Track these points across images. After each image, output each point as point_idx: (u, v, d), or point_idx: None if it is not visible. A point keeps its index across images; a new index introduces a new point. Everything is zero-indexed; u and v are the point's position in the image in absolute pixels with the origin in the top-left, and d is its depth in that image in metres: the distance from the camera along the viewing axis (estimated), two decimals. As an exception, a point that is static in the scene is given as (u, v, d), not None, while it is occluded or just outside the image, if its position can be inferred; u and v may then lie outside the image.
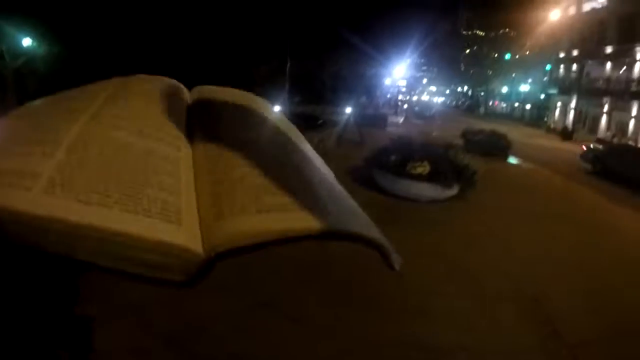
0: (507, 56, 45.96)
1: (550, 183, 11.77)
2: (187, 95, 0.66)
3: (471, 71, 54.42)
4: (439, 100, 63.61)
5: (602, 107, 31.36)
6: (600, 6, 33.41)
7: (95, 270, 0.37)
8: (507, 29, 46.28)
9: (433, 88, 67.10)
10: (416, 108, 40.84)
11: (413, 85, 57.83)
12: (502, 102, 52.18)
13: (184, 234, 0.38)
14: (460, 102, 61.57)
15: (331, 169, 0.62)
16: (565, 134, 30.74)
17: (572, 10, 35.75)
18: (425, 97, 61.46)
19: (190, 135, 0.53)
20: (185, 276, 0.39)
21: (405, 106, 43.18)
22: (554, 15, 35.53)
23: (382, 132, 17.93)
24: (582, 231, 7.21)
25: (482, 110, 53.07)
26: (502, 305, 4.41)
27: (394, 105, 41.93)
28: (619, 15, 30.94)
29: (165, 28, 24.28)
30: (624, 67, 30.51)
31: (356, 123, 16.57)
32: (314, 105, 28.25)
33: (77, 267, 0.43)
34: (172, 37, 24.57)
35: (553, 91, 38.42)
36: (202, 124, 0.55)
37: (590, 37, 32.75)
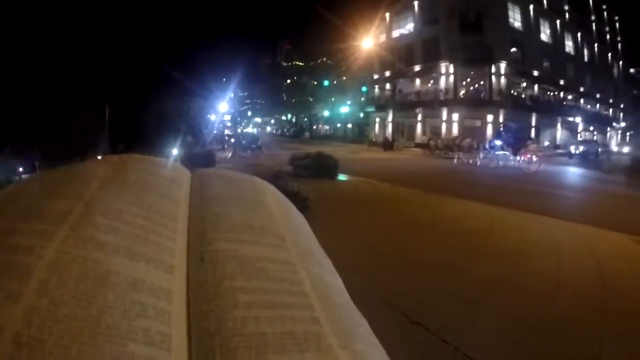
0: (326, 83, 47.77)
1: (378, 190, 11.81)
2: (188, 182, 0.55)
3: (293, 100, 55.39)
4: (265, 130, 63.21)
5: (416, 117, 33.77)
6: (407, 32, 37.05)
7: None
8: (324, 58, 48.66)
9: (258, 119, 66.62)
10: (243, 141, 38.74)
11: (238, 119, 56.11)
12: (326, 125, 53.90)
13: None
14: (285, 130, 62.16)
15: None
16: (386, 145, 31.88)
17: (383, 37, 38.53)
18: (251, 129, 60.14)
19: (190, 241, 0.44)
20: None
21: (232, 140, 40.80)
22: (367, 43, 37.74)
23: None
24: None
25: (307, 134, 53.82)
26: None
27: (221, 141, 39.78)
28: (423, 39, 34.74)
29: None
30: (431, 82, 33.83)
31: (183, 165, 14.27)
32: (139, 150, 23.85)
33: None
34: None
35: (371, 109, 40.48)
36: (200, 227, 0.46)
37: (400, 59, 35.42)
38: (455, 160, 21.82)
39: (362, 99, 42.63)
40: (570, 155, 26.44)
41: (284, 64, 57.06)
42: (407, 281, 4.44)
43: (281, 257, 0.43)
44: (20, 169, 16.36)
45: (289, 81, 56.44)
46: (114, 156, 0.54)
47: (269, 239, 0.45)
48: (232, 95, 44.90)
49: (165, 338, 0.34)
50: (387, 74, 37.60)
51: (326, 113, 50.57)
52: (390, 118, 35.92)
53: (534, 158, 19.02)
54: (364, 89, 40.58)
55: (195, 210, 0.48)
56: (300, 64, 54.84)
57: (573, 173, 19.79)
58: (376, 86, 40.13)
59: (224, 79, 47.39)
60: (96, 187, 0.45)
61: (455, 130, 31.37)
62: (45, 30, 26.37)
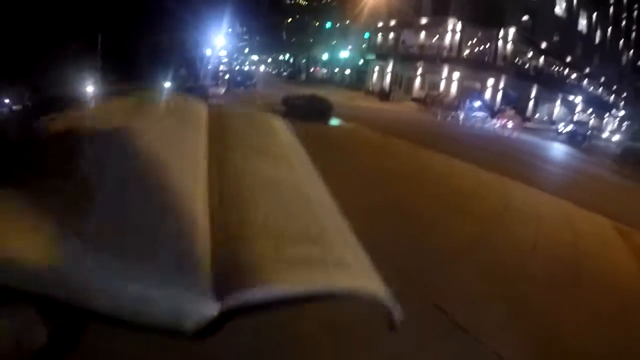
0: (328, 25, 46.19)
1: (370, 139, 11.92)
2: (206, 116, 0.67)
3: (293, 39, 53.65)
4: (261, 68, 61.55)
5: (416, 70, 32.82)
6: (420, -21, 35.10)
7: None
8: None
9: (255, 57, 64.57)
10: (238, 78, 37.90)
11: (235, 55, 54.24)
12: (324, 69, 52.66)
13: (199, 286, 0.36)
14: (282, 70, 60.69)
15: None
16: (383, 95, 31.27)
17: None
18: (247, 67, 58.41)
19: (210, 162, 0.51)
20: (196, 327, 0.36)
21: (227, 76, 39.64)
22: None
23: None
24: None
25: (303, 76, 52.47)
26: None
27: (216, 76, 38.41)
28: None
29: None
30: (436, 37, 32.51)
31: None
32: (132, 81, 23.83)
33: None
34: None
35: (371, 57, 39.15)
36: (222, 150, 0.54)
37: (407, 9, 33.77)
38: (438, 117, 22.23)
39: (364, 45, 41.17)
40: (558, 132, 25.93)
41: (286, 1, 54.73)
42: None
43: (292, 179, 0.48)
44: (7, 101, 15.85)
45: (290, 20, 54.32)
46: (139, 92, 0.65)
47: (280, 161, 0.52)
48: (230, 30, 43.00)
49: (192, 233, 0.37)
50: (392, 22, 36.00)
51: (325, 56, 49.08)
52: (390, 68, 34.84)
53: (510, 124, 20.27)
54: (366, 35, 39.17)
55: (216, 138, 0.54)
56: (303, 2, 52.76)
57: (543, 145, 20.09)
58: (379, 34, 38.58)
59: (222, 13, 45.31)
60: (131, 114, 0.56)
61: (454, 89, 30.53)
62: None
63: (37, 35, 22.30)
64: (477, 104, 21.88)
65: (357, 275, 0.38)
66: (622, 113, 56.17)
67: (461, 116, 21.34)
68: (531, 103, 34.99)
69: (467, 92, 28.16)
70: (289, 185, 0.45)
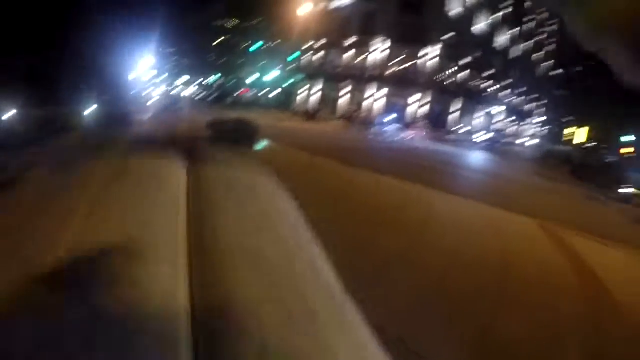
0: (258, 45, 45.94)
1: (295, 159, 11.86)
2: (185, 174, 0.65)
3: (222, 61, 52.82)
4: (188, 92, 60.13)
5: (343, 89, 33.37)
6: (347, 3, 36.14)
7: None
8: (257, 20, 46.71)
9: (183, 80, 63.03)
10: (164, 102, 36.73)
11: (161, 78, 52.71)
12: (253, 90, 52.13)
13: None
14: (210, 92, 59.53)
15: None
16: (309, 115, 31.34)
17: (322, 5, 37.45)
18: (174, 90, 56.93)
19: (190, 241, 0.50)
20: None
21: (153, 100, 38.41)
22: (304, 9, 36.50)
23: (129, 132, 15.53)
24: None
25: (232, 99, 51.70)
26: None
27: (141, 100, 36.88)
28: (361, 13, 34.10)
29: None
30: (363, 55, 33.43)
31: (100, 124, 15.51)
32: (50, 108, 22.28)
33: None
34: None
35: (299, 77, 39.38)
36: (201, 221, 0.54)
37: (335, 29, 34.50)
38: (354, 131, 23.29)
39: (293, 66, 41.32)
40: (475, 142, 27.46)
41: (216, 22, 54.07)
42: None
43: (273, 236, 0.45)
44: None
45: (218, 41, 53.61)
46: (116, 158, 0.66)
47: (265, 231, 0.49)
48: (156, 52, 41.82)
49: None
50: (320, 43, 36.57)
51: (254, 78, 48.77)
52: (317, 88, 35.14)
53: (422, 135, 22.08)
54: (295, 55, 39.38)
55: (194, 197, 0.54)
56: (233, 23, 52.26)
57: (460, 154, 21.43)
58: (308, 54, 38.97)
59: (149, 34, 43.95)
60: (104, 182, 0.54)
61: (380, 106, 31.35)
62: None
63: None
64: (391, 118, 23.04)
65: None
66: (541, 119, 60.36)
67: (377, 130, 22.19)
68: (455, 116, 36.54)
69: (390, 109, 29.19)
70: (275, 260, 0.37)
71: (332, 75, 33.94)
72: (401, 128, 22.49)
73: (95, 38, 27.77)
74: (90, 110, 15.83)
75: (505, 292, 3.96)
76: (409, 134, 21.98)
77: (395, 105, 30.06)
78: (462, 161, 18.35)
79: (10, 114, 15.79)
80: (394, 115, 23.06)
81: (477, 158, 20.94)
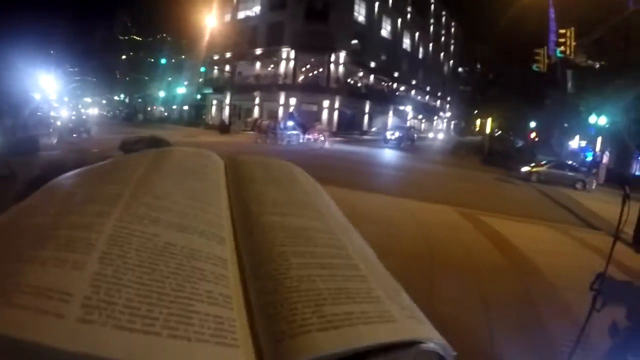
0: (164, 61, 44.64)
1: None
2: (223, 167, 0.60)
3: (127, 78, 50.69)
4: (95, 111, 56.74)
5: (254, 100, 33.17)
6: (253, 14, 36.09)
7: None
8: (164, 34, 45.44)
9: (89, 99, 59.40)
10: (70, 125, 34.50)
11: (66, 99, 49.46)
12: (161, 107, 50.48)
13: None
14: (118, 111, 56.70)
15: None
16: (223, 128, 30.85)
17: (228, 17, 37.01)
18: (80, 110, 53.44)
19: (234, 217, 0.46)
20: None
21: (59, 123, 36.02)
22: (211, 21, 35.95)
23: (36, 159, 13.54)
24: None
25: (140, 117, 49.64)
26: None
27: (46, 124, 34.33)
28: (268, 23, 34.10)
29: None
30: (272, 66, 33.45)
31: (2, 152, 12.79)
32: None
33: None
34: None
35: (208, 91, 38.91)
36: (243, 205, 0.49)
37: (242, 40, 34.21)
38: (258, 140, 23.01)
39: (200, 79, 40.69)
40: (385, 140, 28.29)
41: (120, 37, 51.82)
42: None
43: (323, 227, 0.44)
44: None
45: (124, 57, 51.44)
46: (150, 151, 0.57)
47: (309, 212, 0.48)
48: (60, 70, 39.45)
49: (227, 298, 0.34)
50: (228, 55, 36.12)
51: (162, 94, 47.39)
52: (227, 100, 34.69)
53: (321, 137, 21.85)
54: (202, 69, 38.69)
55: (235, 191, 0.51)
56: (138, 38, 50.42)
57: (371, 152, 22.03)
58: (215, 67, 38.39)
59: (51, 52, 41.26)
60: (141, 173, 0.48)
61: (283, 113, 31.64)
62: None
63: None
64: (290, 123, 23.09)
65: (406, 325, 0.36)
66: (448, 114, 64.13)
67: (278, 136, 22.40)
68: (366, 117, 37.66)
69: (307, 115, 29.35)
70: (319, 236, 0.44)
71: (242, 87, 33.56)
72: (299, 133, 22.92)
73: None
74: None
75: (436, 275, 4.54)
76: (312, 138, 22.39)
77: (303, 111, 30.37)
78: (375, 159, 18.84)
79: None
80: (291, 122, 23.41)
81: (389, 155, 21.61)
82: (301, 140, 22.31)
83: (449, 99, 62.20)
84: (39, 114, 38.97)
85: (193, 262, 0.37)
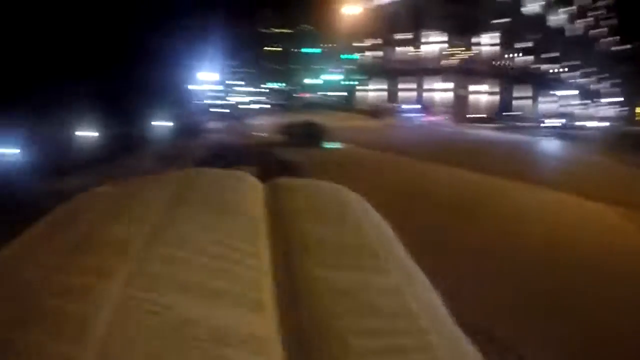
0: (313, 50, 47.49)
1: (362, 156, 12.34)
2: (262, 195, 0.50)
3: (282, 68, 55.09)
4: (253, 99, 63.16)
5: (400, 85, 33.65)
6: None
7: None
8: (308, 25, 48.48)
9: (248, 88, 66.16)
10: (233, 111, 39.32)
11: (228, 88, 55.95)
12: (315, 93, 53.88)
13: None
14: (274, 99, 62.14)
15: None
16: (373, 113, 31.90)
17: (369, 3, 38.07)
18: (240, 99, 59.96)
19: (275, 268, 0.38)
20: None
21: (222, 110, 41.29)
22: (353, 10, 37.31)
23: (202, 141, 17.44)
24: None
25: (296, 103, 53.73)
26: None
27: (211, 111, 39.94)
28: (409, 6, 34.36)
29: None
30: (418, 49, 33.82)
31: (172, 135, 16.78)
32: (125, 124, 24.99)
33: None
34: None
35: (359, 77, 40.44)
36: (287, 250, 0.40)
37: (386, 26, 35.09)
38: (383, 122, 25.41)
39: (351, 66, 42.59)
40: (545, 127, 26.70)
41: (273, 31, 56.37)
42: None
43: (385, 284, 0.36)
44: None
45: (275, 49, 55.92)
46: (177, 172, 0.50)
47: (366, 261, 0.39)
48: (221, 64, 44.91)
49: None
50: (375, 41, 37.27)
51: (315, 81, 50.42)
52: (377, 86, 35.65)
53: (441, 119, 23.88)
54: (354, 56, 40.36)
55: (276, 228, 0.41)
56: (289, 31, 54.33)
57: (521, 141, 20.22)
58: (363, 53, 39.86)
59: (212, 49, 46.88)
60: (161, 208, 0.39)
61: (442, 97, 31.59)
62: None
63: (29, 78, 23.27)
64: (411, 107, 25.55)
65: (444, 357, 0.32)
66: (612, 100, 56.77)
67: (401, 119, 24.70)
68: (521, 102, 35.82)
69: (459, 100, 29.33)
70: (382, 301, 0.35)
71: (390, 72, 34.46)
72: (419, 115, 24.23)
73: (159, 59, 30.22)
74: (161, 124, 17.30)
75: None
76: (431, 118, 23.62)
77: (463, 98, 30.39)
78: (536, 150, 17.94)
79: (84, 134, 17.56)
80: (412, 106, 25.30)
81: (551, 145, 20.09)
82: (421, 121, 24.17)
83: (611, 82, 55.50)
84: (204, 102, 44.70)
85: (220, 350, 0.27)
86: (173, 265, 0.31)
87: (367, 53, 39.25)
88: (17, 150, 15.54)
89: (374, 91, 39.54)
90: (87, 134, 18.18)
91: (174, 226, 0.36)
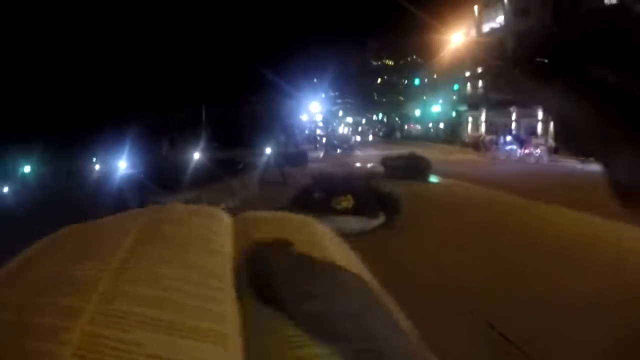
0: (417, 81, 47.65)
1: (471, 193, 11.98)
2: (231, 230, 0.50)
3: (384, 99, 55.90)
4: (356, 130, 64.64)
5: (510, 116, 32.72)
6: (498, 25, 35.99)
7: None
8: (414, 56, 48.51)
9: (349, 119, 67.96)
10: (334, 141, 40.75)
11: (330, 119, 58.32)
12: (417, 125, 53.83)
13: None
14: (376, 130, 63.04)
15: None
16: (478, 146, 31.40)
17: (473, 32, 37.77)
18: (342, 129, 61.91)
19: (243, 301, 0.38)
20: None
21: (324, 140, 43.10)
22: (457, 39, 37.19)
23: (304, 170, 17.41)
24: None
25: (398, 135, 54.24)
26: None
27: (313, 141, 41.99)
28: (514, 32, 33.44)
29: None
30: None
31: (277, 163, 16.71)
32: (233, 149, 27.16)
33: None
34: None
35: (463, 108, 40.00)
36: (255, 282, 0.40)
37: (491, 54, 34.33)
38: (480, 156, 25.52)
39: (454, 97, 42.38)
40: None
41: (373, 63, 57.52)
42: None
43: (348, 310, 0.38)
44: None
45: (379, 80, 56.85)
46: (148, 208, 0.54)
47: (333, 289, 0.41)
48: (323, 95, 47.16)
49: None
50: (479, 70, 36.78)
51: (417, 113, 50.46)
52: (483, 117, 35.29)
53: (537, 152, 22.42)
54: (456, 86, 39.91)
55: (243, 262, 0.43)
56: (390, 62, 54.99)
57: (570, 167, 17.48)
58: (468, 83, 39.61)
59: (315, 80, 49.60)
60: (128, 245, 0.40)
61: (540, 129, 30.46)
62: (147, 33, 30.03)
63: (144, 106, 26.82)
64: (508, 138, 24.27)
65: None
66: None
67: (497, 151, 24.07)
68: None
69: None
70: (345, 327, 0.34)
71: (496, 103, 33.78)
72: (517, 148, 23.68)
73: (274, 91, 32.76)
74: (269, 149, 18.15)
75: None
76: (529, 152, 22.87)
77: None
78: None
79: (197, 156, 19.86)
80: (509, 137, 25.08)
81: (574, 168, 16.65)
82: (518, 155, 23.23)
83: None
84: (306, 132, 47.36)
85: None
86: (139, 302, 0.32)
87: (473, 83, 38.93)
88: (142, 170, 18.96)
89: (474, 122, 39.11)
90: (203, 156, 20.49)
91: (141, 264, 0.36)
